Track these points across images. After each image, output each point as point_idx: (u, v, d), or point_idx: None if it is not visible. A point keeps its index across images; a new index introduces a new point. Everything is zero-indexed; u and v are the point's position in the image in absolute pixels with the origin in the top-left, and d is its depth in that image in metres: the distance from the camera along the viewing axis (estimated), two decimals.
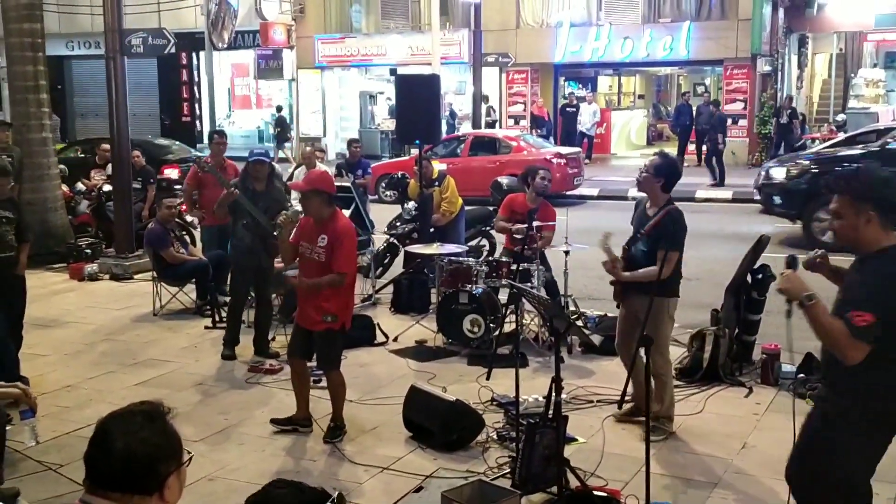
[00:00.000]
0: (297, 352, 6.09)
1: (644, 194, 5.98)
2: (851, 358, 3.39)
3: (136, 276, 10.90)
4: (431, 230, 9.81)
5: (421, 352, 7.91)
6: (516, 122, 25.44)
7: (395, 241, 10.61)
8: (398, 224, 10.81)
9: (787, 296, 3.52)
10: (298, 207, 6.21)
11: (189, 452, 2.21)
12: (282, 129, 25.81)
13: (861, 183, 3.55)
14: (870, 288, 3.45)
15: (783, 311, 3.59)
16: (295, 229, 6.05)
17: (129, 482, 2.07)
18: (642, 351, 5.11)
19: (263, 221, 7.52)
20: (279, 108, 26.72)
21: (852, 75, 27.98)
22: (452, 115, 25.05)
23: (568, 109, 24.22)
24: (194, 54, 28.82)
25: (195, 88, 29.97)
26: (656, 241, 5.69)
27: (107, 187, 12.05)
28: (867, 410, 3.53)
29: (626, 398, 6.11)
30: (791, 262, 3.61)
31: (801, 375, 6.77)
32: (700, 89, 28.21)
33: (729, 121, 21.95)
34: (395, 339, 8.20)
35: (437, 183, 10.25)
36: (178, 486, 2.15)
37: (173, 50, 12.53)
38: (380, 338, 8.20)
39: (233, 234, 7.86)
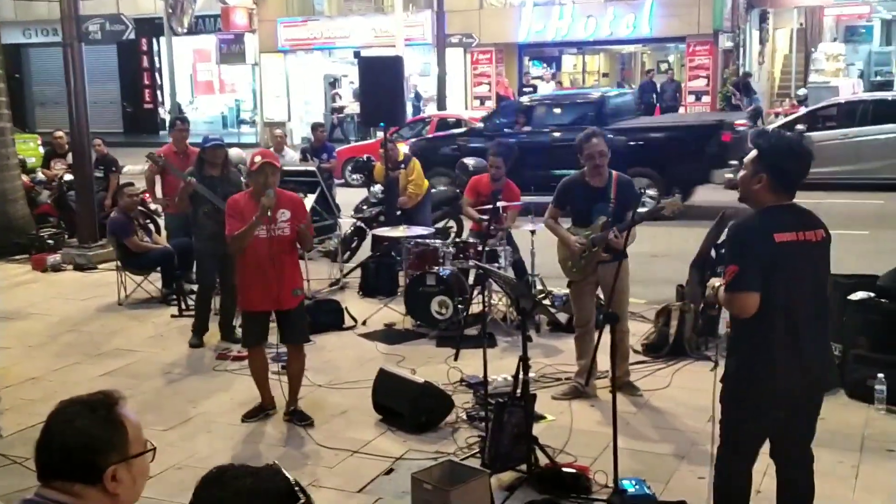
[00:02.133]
0: (260, 339, 6.03)
1: None
2: (739, 310, 3.61)
3: (100, 266, 10.77)
4: (398, 213, 9.79)
5: (390, 335, 7.91)
6: (482, 103, 25.40)
7: (362, 225, 10.58)
8: (365, 207, 10.78)
9: (711, 300, 3.90)
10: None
11: (152, 445, 2.18)
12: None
13: (767, 143, 3.72)
14: (731, 238, 3.77)
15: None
16: (232, 220, 5.80)
17: (68, 472, 2.04)
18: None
19: (221, 205, 7.46)
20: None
21: (813, 50, 28.25)
22: (417, 97, 25.00)
23: (525, 89, 24.24)
24: (154, 40, 28.46)
25: (156, 75, 29.62)
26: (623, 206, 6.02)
27: (68, 177, 11.89)
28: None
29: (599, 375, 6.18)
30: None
31: None
32: (663, 66, 28.35)
33: (692, 97, 22.12)
34: (364, 323, 8.19)
35: (402, 165, 10.22)
36: (130, 479, 2.10)
37: (132, 36, 12.41)
38: (348, 322, 8.18)
39: (194, 223, 7.78)
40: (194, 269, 8.45)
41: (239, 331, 7.76)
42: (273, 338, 6.14)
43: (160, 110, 29.16)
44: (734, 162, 12.61)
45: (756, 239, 3.62)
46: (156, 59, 29.38)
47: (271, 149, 11.53)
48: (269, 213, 5.63)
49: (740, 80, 22.13)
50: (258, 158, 5.83)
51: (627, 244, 5.70)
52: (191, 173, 7.63)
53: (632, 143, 13.31)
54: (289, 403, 6.02)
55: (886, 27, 30.09)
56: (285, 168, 10.16)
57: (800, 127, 15.66)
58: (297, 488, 1.94)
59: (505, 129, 14.48)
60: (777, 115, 21.13)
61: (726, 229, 3.75)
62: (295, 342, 6.01)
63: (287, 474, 1.99)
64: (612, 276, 5.70)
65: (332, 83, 26.08)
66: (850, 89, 23.55)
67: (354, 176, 16.78)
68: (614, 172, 6.12)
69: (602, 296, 6.41)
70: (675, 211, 5.97)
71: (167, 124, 25.61)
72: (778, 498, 4.03)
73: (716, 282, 3.86)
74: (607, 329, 4.81)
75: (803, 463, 3.95)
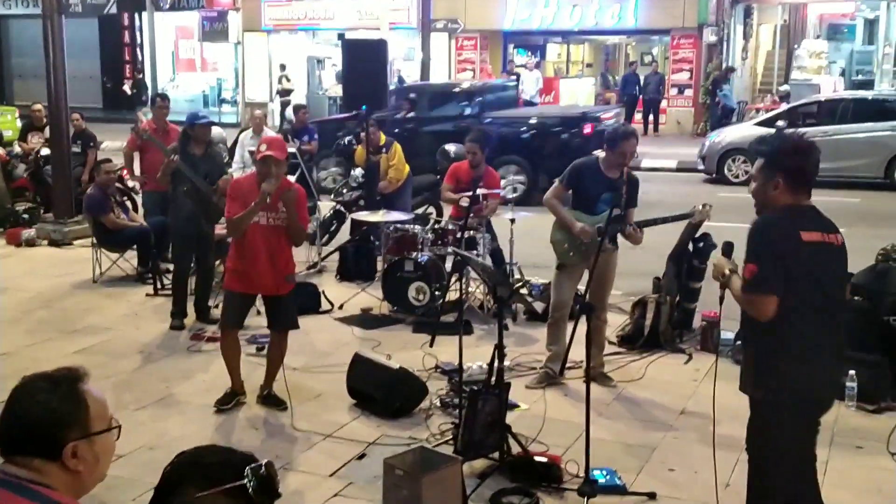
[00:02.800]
0: (237, 322, 6.00)
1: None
2: (757, 311, 3.50)
3: (75, 243, 10.67)
4: (378, 197, 9.75)
5: (366, 319, 7.89)
6: None
7: (342, 209, 10.53)
8: (345, 191, 10.73)
9: (714, 277, 3.69)
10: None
11: (117, 423, 2.16)
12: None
13: (772, 149, 3.64)
14: (752, 235, 3.56)
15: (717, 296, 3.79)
16: (233, 202, 5.73)
17: (26, 445, 2.03)
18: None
19: (204, 187, 7.40)
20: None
21: (795, 47, 28.36)
22: (401, 81, 24.87)
23: (510, 77, 24.18)
24: (137, 15, 28.11)
25: (138, 50, 29.28)
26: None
27: (45, 151, 11.76)
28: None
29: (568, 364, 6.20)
30: (726, 249, 3.74)
31: (740, 342, 6.91)
32: (647, 59, 28.37)
33: (675, 90, 22.16)
34: (341, 307, 8.17)
35: (384, 150, 10.18)
36: (91, 456, 2.08)
37: (114, 10, 12.35)
38: (325, 306, 8.16)
39: (172, 201, 7.71)
40: (170, 249, 8.37)
41: (215, 311, 7.77)
42: (250, 321, 6.11)
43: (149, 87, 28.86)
44: (598, 152, 13.21)
45: (781, 237, 3.51)
46: (137, 34, 29.04)
47: (249, 130, 11.45)
48: (268, 200, 5.55)
49: (721, 75, 22.19)
50: (263, 147, 5.76)
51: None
52: (174, 149, 7.55)
53: (504, 132, 14.01)
54: (263, 386, 5.99)
55: (869, 26, 30.22)
56: None
57: (780, 123, 15.75)
58: (253, 470, 1.91)
59: (395, 115, 14.82)
60: (758, 110, 21.19)
61: (750, 225, 3.60)
62: (284, 328, 5.96)
63: (260, 462, 1.97)
64: (603, 266, 5.74)
65: (282, 66, 25.88)
66: (832, 87, 23.67)
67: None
68: (626, 168, 6.12)
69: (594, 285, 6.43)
70: (703, 218, 6.03)
71: (148, 101, 25.39)
72: None
73: (724, 265, 3.69)
74: (583, 319, 4.81)
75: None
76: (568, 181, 6.26)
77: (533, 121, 15.07)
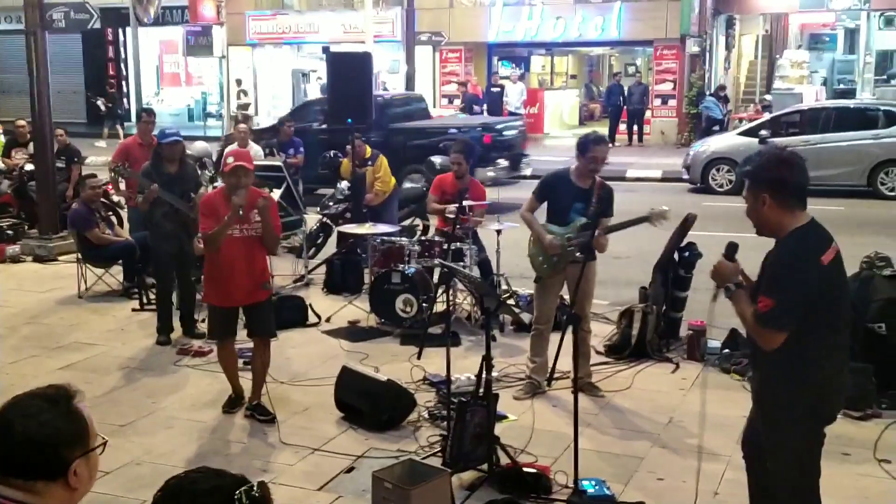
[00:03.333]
0: (229, 332, 6.02)
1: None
2: (763, 343, 3.46)
3: (60, 258, 10.61)
4: (364, 210, 9.76)
5: (354, 332, 7.88)
6: (450, 102, 25.41)
7: (328, 221, 10.52)
8: (331, 204, 10.72)
9: (715, 281, 3.61)
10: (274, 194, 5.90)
11: (104, 439, 2.15)
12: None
13: (754, 166, 3.58)
14: (770, 273, 3.49)
15: (711, 293, 3.70)
16: (206, 218, 5.76)
17: (31, 468, 2.00)
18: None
19: (182, 207, 7.37)
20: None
21: (777, 56, 28.59)
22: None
23: (493, 90, 24.28)
24: (120, 30, 28.06)
25: (122, 65, 29.22)
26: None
27: (29, 166, 11.71)
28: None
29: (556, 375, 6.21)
30: (729, 250, 3.66)
31: (726, 351, 6.95)
32: (631, 69, 28.53)
33: (658, 100, 22.28)
34: (328, 320, 8.16)
35: (369, 162, 10.19)
36: (87, 474, 2.08)
37: (97, 25, 12.32)
38: (312, 319, 8.14)
39: (150, 223, 7.68)
40: (153, 268, 8.33)
41: (201, 326, 7.74)
42: (238, 335, 6.11)
43: (125, 101, 28.78)
44: (502, 161, 14.91)
45: (804, 266, 3.42)
46: (121, 49, 28.99)
47: (235, 144, 11.44)
48: (240, 213, 5.63)
49: (716, 91, 22.32)
50: (231, 160, 5.79)
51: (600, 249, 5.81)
52: (146, 169, 7.50)
53: (408, 142, 14.87)
54: (250, 398, 6.00)
55: (850, 36, 30.49)
56: None
57: (764, 132, 15.86)
58: (245, 492, 1.90)
59: (312, 125, 15.47)
60: (741, 120, 21.34)
61: (782, 257, 3.50)
62: (263, 334, 6.01)
63: (252, 483, 1.95)
64: (580, 276, 5.76)
65: (238, 81, 26.00)
66: (814, 96, 23.87)
67: (321, 172, 16.68)
68: (598, 178, 6.17)
69: (567, 296, 6.46)
70: (661, 220, 6.04)
71: (132, 115, 25.31)
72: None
73: (729, 275, 3.58)
74: (570, 329, 4.83)
75: None
76: (539, 194, 6.33)
77: (436, 132, 15.50)
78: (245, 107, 25.13)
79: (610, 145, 6.34)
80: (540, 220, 6.30)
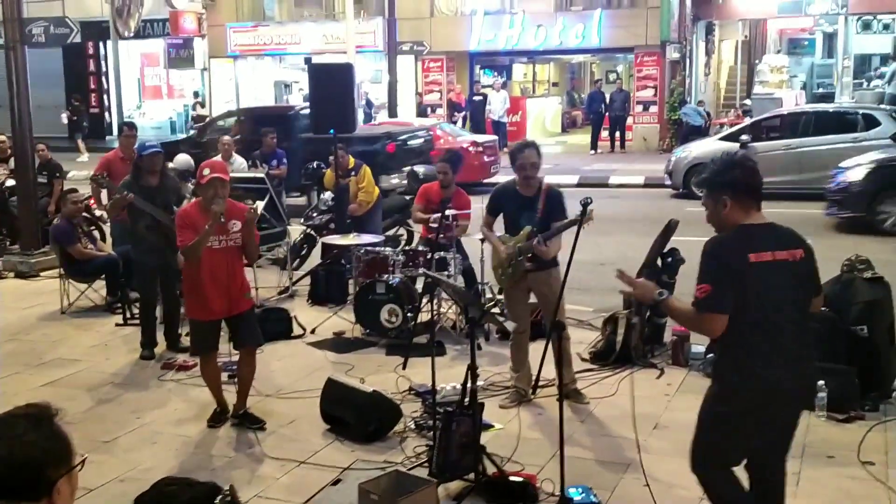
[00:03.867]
0: (212, 346, 5.99)
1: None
2: (707, 331, 3.67)
3: (42, 274, 10.55)
4: (348, 220, 9.76)
5: (339, 343, 7.87)
6: (432, 111, 25.45)
7: (312, 232, 10.51)
8: (315, 215, 10.71)
9: (642, 302, 3.74)
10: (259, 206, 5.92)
11: (82, 455, 2.14)
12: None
13: (710, 173, 3.76)
14: (705, 255, 3.64)
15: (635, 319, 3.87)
16: (184, 231, 5.76)
17: (16, 489, 1.99)
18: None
19: (164, 219, 7.34)
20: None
21: (757, 61, 28.81)
22: (369, 104, 24.95)
23: (475, 98, 24.35)
24: (101, 43, 27.99)
25: (103, 79, 29.13)
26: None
27: (10, 182, 11.65)
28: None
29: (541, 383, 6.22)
30: (645, 271, 3.83)
31: (711, 355, 6.97)
32: (612, 76, 28.67)
33: (640, 107, 22.40)
34: (313, 332, 8.14)
35: (353, 172, 10.19)
36: (68, 491, 2.07)
37: (78, 39, 12.29)
38: (297, 330, 8.12)
39: (133, 236, 7.64)
40: (135, 282, 8.28)
41: (185, 339, 7.71)
42: (222, 347, 6.09)
43: (106, 114, 28.68)
44: (406, 169, 14.92)
45: (732, 257, 3.59)
46: (102, 63, 28.90)
47: (219, 157, 11.41)
48: (221, 220, 5.64)
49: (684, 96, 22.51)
50: (207, 171, 5.81)
51: (554, 253, 5.82)
52: (126, 182, 7.46)
53: (315, 150, 14.62)
54: (237, 407, 5.99)
55: (828, 40, 30.73)
56: (234, 175, 10.10)
57: (744, 137, 15.96)
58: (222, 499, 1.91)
59: (234, 137, 15.55)
60: (722, 125, 21.47)
61: (705, 246, 3.68)
62: (251, 344, 6.00)
63: (224, 489, 1.96)
64: (544, 285, 5.78)
65: (195, 93, 26.10)
66: (793, 101, 24.04)
67: (304, 183, 16.68)
68: (545, 184, 6.21)
69: (539, 303, 6.50)
70: (589, 221, 6.01)
71: (114, 129, 25.22)
72: None
73: (652, 291, 3.79)
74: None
75: (779, 478, 4.02)
76: (490, 207, 6.40)
77: (340, 140, 15.56)
78: (202, 118, 25.27)
79: (538, 149, 6.31)
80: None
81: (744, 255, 3.57)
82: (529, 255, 6.06)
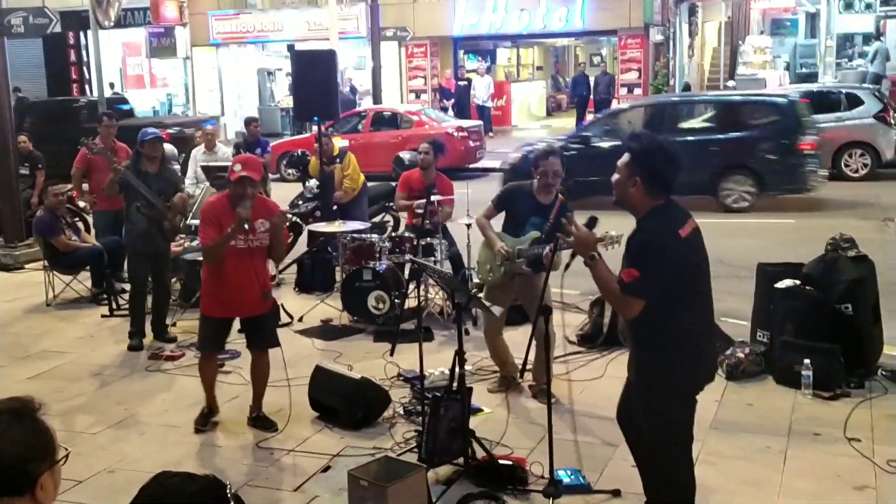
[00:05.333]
0: (219, 346, 5.89)
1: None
2: (624, 311, 3.76)
3: (26, 266, 10.50)
4: (334, 208, 9.73)
5: (326, 331, 7.86)
6: (417, 97, 25.39)
7: (298, 220, 10.47)
8: (300, 203, 10.67)
9: (575, 250, 3.86)
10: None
11: (66, 449, 2.13)
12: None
13: (639, 148, 3.81)
14: (636, 248, 3.72)
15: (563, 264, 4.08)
16: (208, 227, 5.54)
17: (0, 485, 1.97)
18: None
19: (158, 204, 7.31)
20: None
21: (740, 42, 28.83)
22: (353, 90, 24.85)
23: (460, 83, 24.29)
24: (82, 33, 27.74)
25: (84, 69, 28.87)
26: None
27: None
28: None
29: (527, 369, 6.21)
30: (590, 222, 3.92)
31: None
32: (596, 60, 28.66)
33: (624, 89, 22.39)
34: (300, 320, 8.13)
35: (338, 160, 10.15)
36: (52, 486, 2.06)
37: (58, 29, 12.07)
38: (284, 319, 8.10)
39: (126, 218, 7.60)
40: (125, 268, 8.25)
41: (172, 330, 7.69)
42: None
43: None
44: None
45: (668, 243, 3.68)
46: (83, 52, 28.65)
47: (202, 146, 11.35)
48: (245, 226, 5.40)
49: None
50: (238, 167, 5.53)
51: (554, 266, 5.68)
52: (127, 166, 7.43)
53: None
54: (252, 409, 5.87)
55: (811, 20, 30.77)
56: (217, 164, 10.06)
57: None
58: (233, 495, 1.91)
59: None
60: None
61: (643, 235, 3.76)
62: (267, 346, 5.81)
63: (226, 483, 1.95)
64: (531, 286, 5.72)
65: (111, 84, 26.02)
66: (777, 81, 24.09)
67: (289, 171, 16.62)
68: (561, 195, 6.04)
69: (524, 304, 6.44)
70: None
71: (96, 119, 25.01)
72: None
73: (593, 242, 3.83)
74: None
75: None
76: (498, 202, 6.22)
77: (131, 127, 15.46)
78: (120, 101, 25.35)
79: (563, 157, 6.18)
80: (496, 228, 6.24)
81: (676, 234, 3.71)
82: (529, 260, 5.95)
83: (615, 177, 3.86)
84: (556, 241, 4.84)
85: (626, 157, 3.82)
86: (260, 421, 5.82)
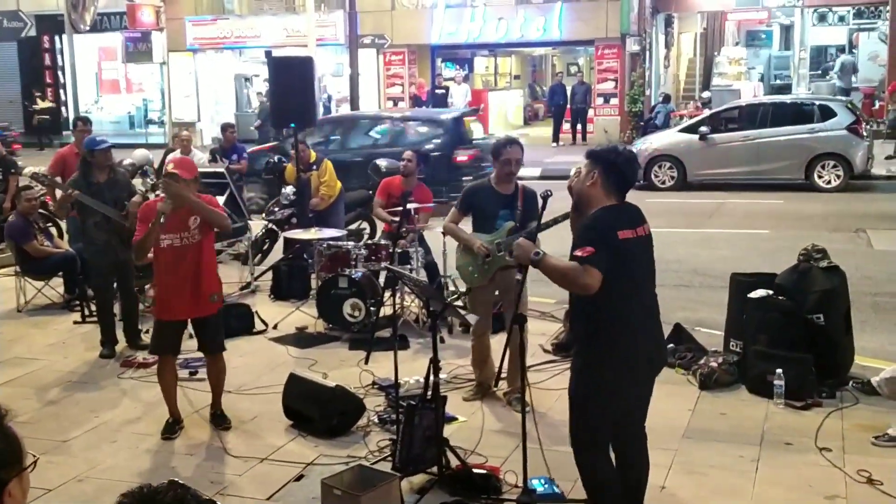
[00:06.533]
0: (170, 349, 5.83)
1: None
2: (587, 286, 3.85)
3: None
4: (310, 215, 9.70)
5: (302, 338, 7.83)
6: (395, 104, 25.40)
7: (274, 227, 10.45)
8: (276, 209, 10.65)
9: (520, 262, 4.03)
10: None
11: (34, 456, 2.10)
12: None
13: (601, 150, 4.09)
14: (581, 230, 3.97)
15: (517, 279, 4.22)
16: (142, 224, 5.64)
17: None
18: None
19: (114, 215, 7.23)
20: None
21: (716, 54, 29.10)
22: (329, 97, 24.85)
23: (437, 91, 24.33)
24: (57, 37, 27.54)
25: (59, 73, 28.68)
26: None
27: None
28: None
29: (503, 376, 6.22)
30: (545, 194, 4.33)
31: (671, 345, 7.03)
32: (573, 69, 28.80)
33: (601, 99, 22.49)
34: (275, 327, 8.09)
35: (314, 167, 10.13)
36: (20, 493, 2.03)
37: (32, 33, 12.08)
38: (259, 326, 8.07)
39: (84, 235, 7.50)
40: (90, 281, 8.16)
41: (145, 337, 7.62)
42: (183, 345, 6.01)
43: (63, 109, 28.25)
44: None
45: (607, 232, 3.90)
46: (59, 56, 28.44)
47: (177, 152, 11.30)
48: (161, 220, 5.44)
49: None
50: (170, 166, 5.73)
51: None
52: (75, 179, 7.30)
53: None
54: (211, 406, 5.95)
55: (785, 32, 31.14)
56: None
57: (703, 129, 16.12)
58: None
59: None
60: (682, 117, 21.64)
61: (586, 220, 4.04)
62: (210, 352, 5.90)
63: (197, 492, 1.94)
64: (509, 281, 5.74)
65: (27, 84, 26.15)
66: (752, 92, 24.33)
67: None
68: (520, 184, 6.14)
69: (502, 301, 6.46)
70: None
71: (71, 124, 24.84)
72: (623, 481, 4.23)
73: (531, 248, 4.03)
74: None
75: (643, 442, 4.28)
76: (462, 205, 6.25)
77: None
78: (45, 111, 25.57)
79: (522, 146, 6.27)
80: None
81: (614, 232, 3.90)
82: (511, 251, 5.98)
83: (575, 179, 4.08)
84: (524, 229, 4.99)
85: (587, 160, 4.06)
86: (215, 418, 5.89)
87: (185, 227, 5.60)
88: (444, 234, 6.56)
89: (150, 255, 5.76)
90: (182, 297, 5.67)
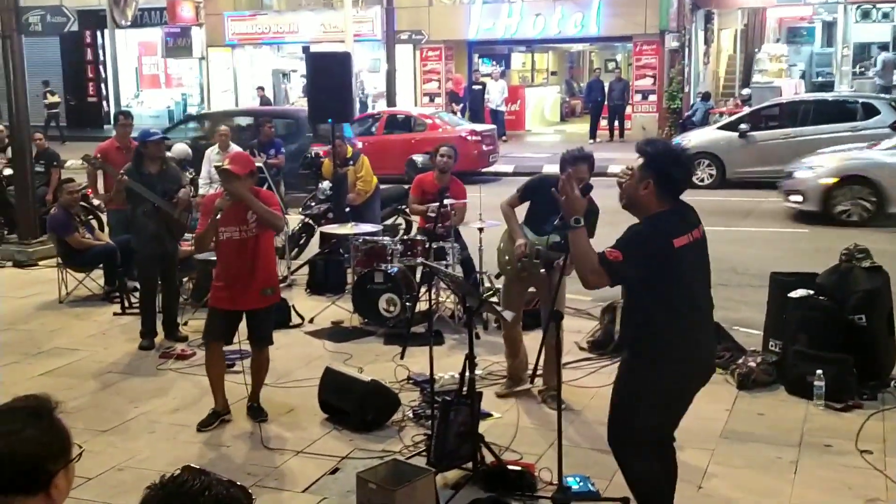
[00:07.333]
0: (221, 336, 5.89)
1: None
2: (590, 282, 3.79)
3: (40, 263, 10.54)
4: (346, 210, 9.74)
5: (337, 333, 7.87)
6: (431, 100, 25.41)
7: (310, 222, 10.50)
8: (313, 204, 10.70)
9: (567, 209, 3.86)
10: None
11: (80, 447, 2.13)
12: None
13: (654, 153, 3.88)
14: (627, 236, 3.82)
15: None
16: (204, 218, 5.78)
17: (13, 484, 1.97)
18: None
19: (163, 205, 7.32)
20: None
21: (756, 50, 28.72)
22: (366, 94, 24.92)
23: (474, 87, 24.28)
24: (99, 32, 27.89)
25: (101, 68, 29.06)
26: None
27: (7, 171, 11.62)
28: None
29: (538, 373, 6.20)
30: (585, 189, 4.05)
31: None
32: (611, 65, 28.60)
33: (639, 96, 22.31)
34: (311, 321, 8.14)
35: (351, 162, 10.16)
36: (66, 484, 2.06)
37: (74, 28, 12.21)
38: (295, 320, 8.12)
39: (132, 223, 7.60)
40: (135, 270, 8.27)
41: (183, 329, 7.71)
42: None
43: (104, 104, 28.63)
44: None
45: (656, 243, 3.77)
46: (100, 51, 28.80)
47: (216, 146, 11.39)
48: (218, 216, 5.57)
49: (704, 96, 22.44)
50: (226, 162, 5.84)
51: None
52: (128, 170, 7.43)
53: None
54: (249, 398, 5.98)
55: (828, 29, 30.63)
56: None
57: (743, 126, 15.93)
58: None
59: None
60: (721, 114, 21.42)
61: (638, 226, 3.90)
62: (258, 344, 5.94)
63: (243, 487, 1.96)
64: (549, 281, 5.70)
65: (46, 82, 26.09)
66: (793, 89, 23.98)
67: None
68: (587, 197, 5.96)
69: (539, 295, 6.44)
70: None
71: (112, 118, 25.17)
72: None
73: (580, 211, 3.87)
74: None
75: (673, 445, 4.24)
76: (523, 193, 6.22)
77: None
78: (55, 105, 25.59)
79: (593, 163, 6.11)
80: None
81: (668, 241, 3.76)
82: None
83: (627, 180, 3.93)
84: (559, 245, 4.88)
85: (640, 160, 3.87)
86: (252, 411, 5.93)
87: (244, 220, 5.69)
88: (501, 211, 6.42)
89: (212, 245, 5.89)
90: (237, 288, 5.74)
